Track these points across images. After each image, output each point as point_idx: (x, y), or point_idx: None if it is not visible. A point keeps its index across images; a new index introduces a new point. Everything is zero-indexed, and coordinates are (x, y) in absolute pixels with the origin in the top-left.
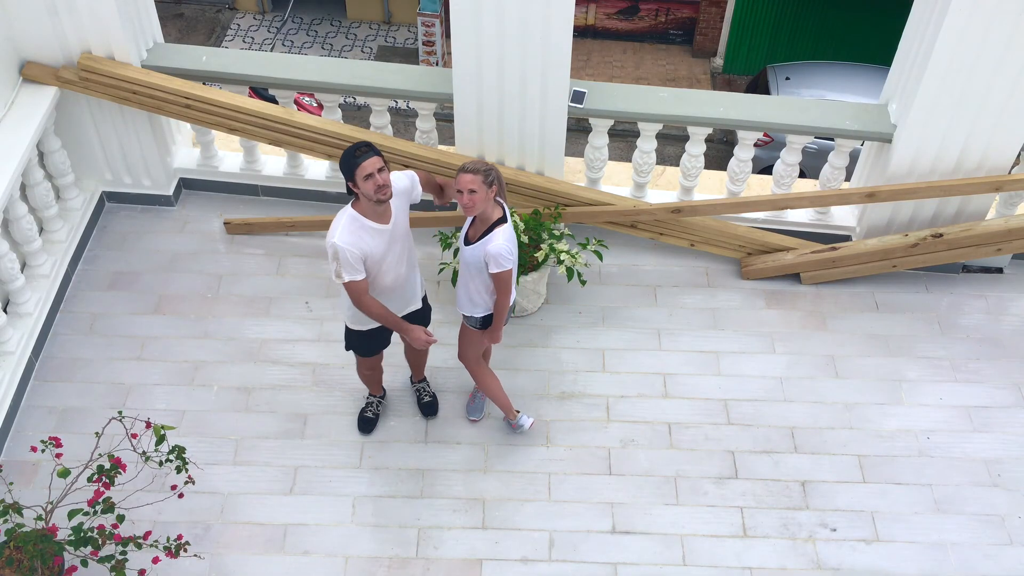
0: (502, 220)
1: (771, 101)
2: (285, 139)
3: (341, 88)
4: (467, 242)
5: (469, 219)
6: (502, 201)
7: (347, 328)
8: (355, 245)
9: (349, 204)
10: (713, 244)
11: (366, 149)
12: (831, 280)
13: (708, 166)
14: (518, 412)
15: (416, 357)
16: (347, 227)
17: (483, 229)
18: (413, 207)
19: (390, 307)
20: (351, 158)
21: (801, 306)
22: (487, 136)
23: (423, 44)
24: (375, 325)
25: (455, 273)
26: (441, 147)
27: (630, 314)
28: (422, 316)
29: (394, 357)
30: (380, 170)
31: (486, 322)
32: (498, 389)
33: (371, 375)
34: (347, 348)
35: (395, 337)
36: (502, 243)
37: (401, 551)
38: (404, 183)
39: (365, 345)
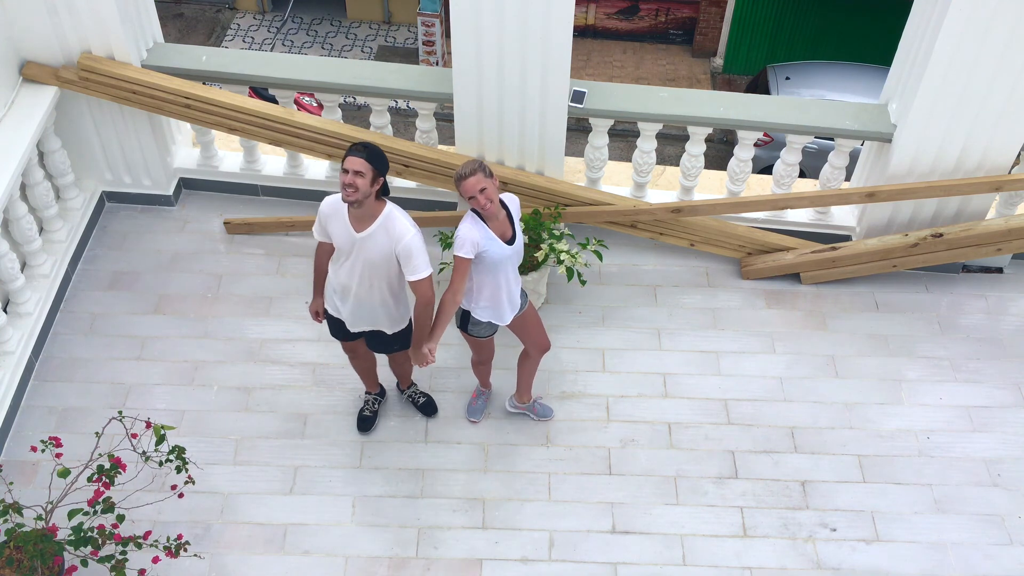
0: (502, 203)
1: (771, 101)
2: (285, 139)
3: (341, 88)
4: (511, 241)
5: (490, 236)
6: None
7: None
8: (324, 215)
9: None
10: (713, 244)
11: (361, 149)
12: (831, 280)
13: (708, 166)
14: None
15: (400, 369)
16: (334, 200)
17: (504, 218)
18: (413, 206)
19: (343, 307)
20: (348, 149)
21: (801, 306)
22: (487, 136)
23: (423, 44)
24: (337, 314)
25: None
26: (441, 147)
27: (630, 314)
28: (380, 340)
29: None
30: (357, 173)
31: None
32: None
33: (355, 365)
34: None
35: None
36: (513, 196)
37: (401, 551)
38: (402, 233)
39: (331, 327)
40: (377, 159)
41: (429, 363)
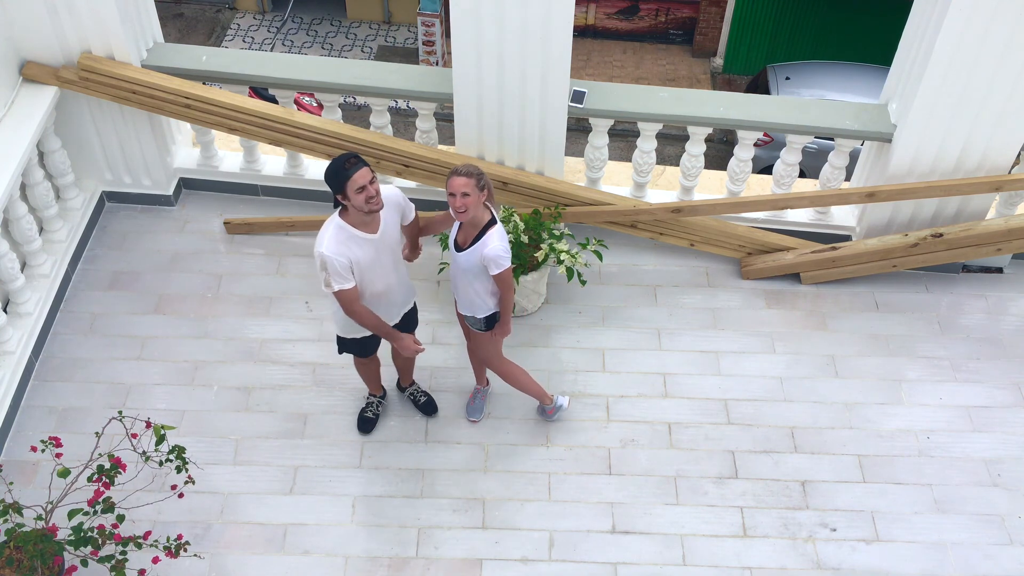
0: (492, 222)
1: (771, 101)
2: (285, 139)
3: (341, 88)
4: (459, 248)
5: (456, 225)
6: (490, 205)
7: (338, 336)
8: (342, 255)
9: (336, 213)
10: (713, 244)
11: (355, 161)
12: (831, 280)
13: (708, 166)
14: (552, 396)
15: (404, 362)
16: (334, 237)
17: (474, 234)
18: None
19: (381, 313)
20: (341, 171)
21: (801, 306)
22: (487, 136)
23: (423, 44)
24: (366, 333)
25: None
26: (441, 147)
27: (630, 314)
28: (411, 318)
29: (390, 356)
30: (372, 182)
31: (489, 323)
32: (528, 380)
33: (366, 371)
34: (340, 352)
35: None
36: (497, 244)
37: (401, 551)
38: (395, 196)
39: (358, 350)
40: (364, 160)
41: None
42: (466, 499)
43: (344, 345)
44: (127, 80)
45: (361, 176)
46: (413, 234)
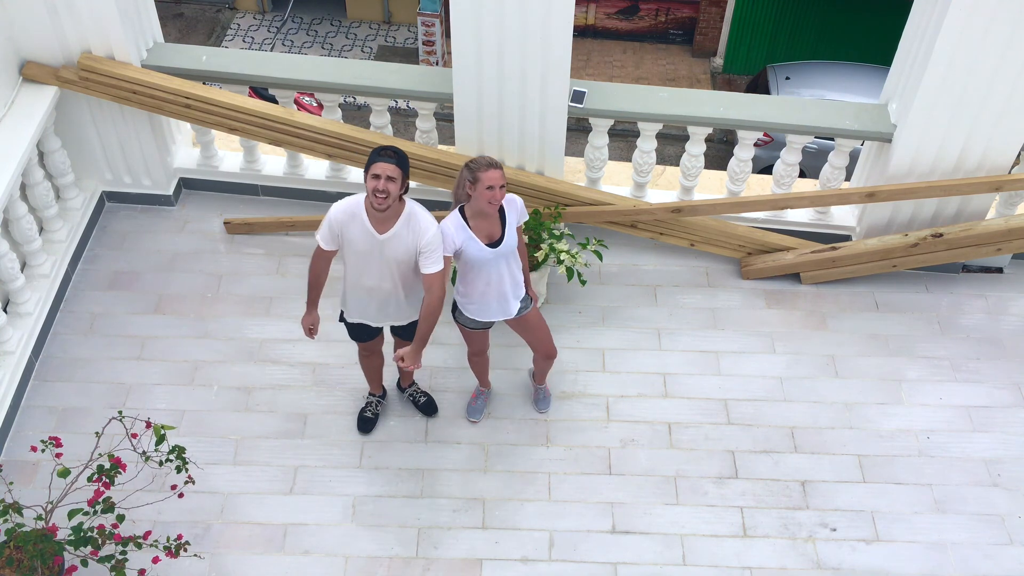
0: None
1: (771, 101)
2: (285, 139)
3: (341, 88)
4: (497, 243)
5: (465, 238)
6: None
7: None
8: (339, 223)
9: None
10: (713, 244)
11: (391, 153)
12: (831, 280)
13: (708, 166)
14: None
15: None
16: (347, 206)
17: (498, 220)
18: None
19: (369, 309)
20: (374, 153)
21: (801, 306)
22: (487, 136)
23: (423, 44)
24: (355, 320)
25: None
26: (441, 147)
27: (630, 314)
28: (402, 328)
29: (392, 356)
30: (389, 179)
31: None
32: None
33: (366, 364)
34: (340, 320)
35: (386, 333)
36: (516, 196)
37: (401, 551)
38: (427, 227)
39: (348, 329)
40: (405, 162)
41: (418, 367)
42: (466, 499)
43: (341, 316)
44: (127, 80)
45: (380, 167)
46: (431, 312)
